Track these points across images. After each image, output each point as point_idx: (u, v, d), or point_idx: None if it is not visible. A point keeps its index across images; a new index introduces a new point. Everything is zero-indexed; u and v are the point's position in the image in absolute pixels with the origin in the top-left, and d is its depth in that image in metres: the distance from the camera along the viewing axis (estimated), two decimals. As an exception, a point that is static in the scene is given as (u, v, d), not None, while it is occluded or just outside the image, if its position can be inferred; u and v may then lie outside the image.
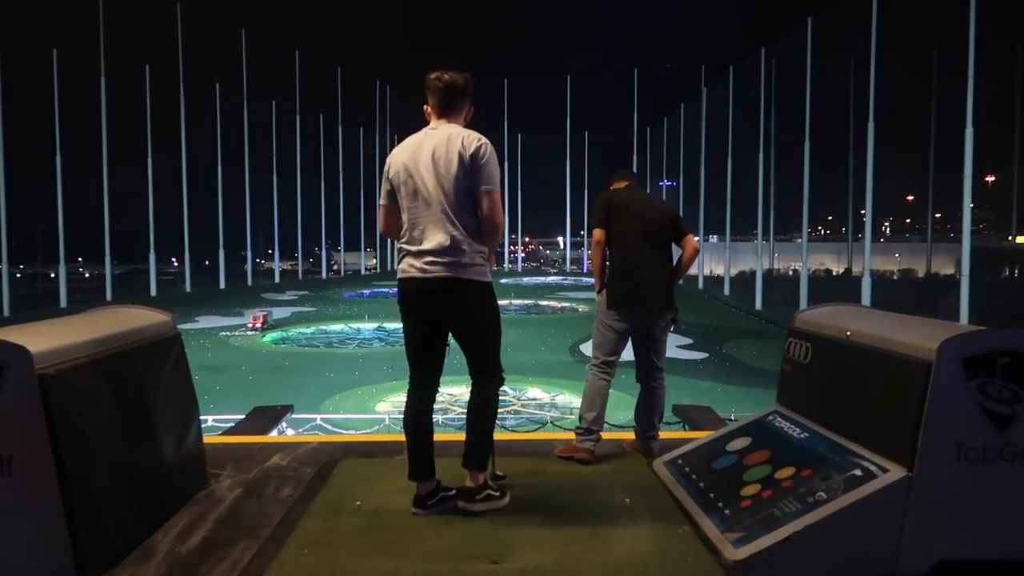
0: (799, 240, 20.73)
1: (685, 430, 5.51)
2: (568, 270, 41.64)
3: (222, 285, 27.91)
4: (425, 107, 3.10)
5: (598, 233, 3.92)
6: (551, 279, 35.70)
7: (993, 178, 26.68)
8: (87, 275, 30.24)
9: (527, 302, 23.46)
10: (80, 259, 30.49)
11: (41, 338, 2.48)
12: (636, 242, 3.85)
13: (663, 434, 4.07)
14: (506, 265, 42.12)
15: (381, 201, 3.13)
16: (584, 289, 28.18)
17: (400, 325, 3.13)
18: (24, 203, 20.82)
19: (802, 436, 3.12)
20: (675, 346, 13.39)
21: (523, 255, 47.44)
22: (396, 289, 3.09)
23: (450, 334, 3.08)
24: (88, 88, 22.56)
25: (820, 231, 39.60)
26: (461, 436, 3.15)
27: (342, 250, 39.11)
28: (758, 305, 20.68)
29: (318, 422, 7.60)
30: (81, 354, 2.61)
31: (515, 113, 39.17)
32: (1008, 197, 24.85)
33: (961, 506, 2.49)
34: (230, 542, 2.76)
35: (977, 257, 13.19)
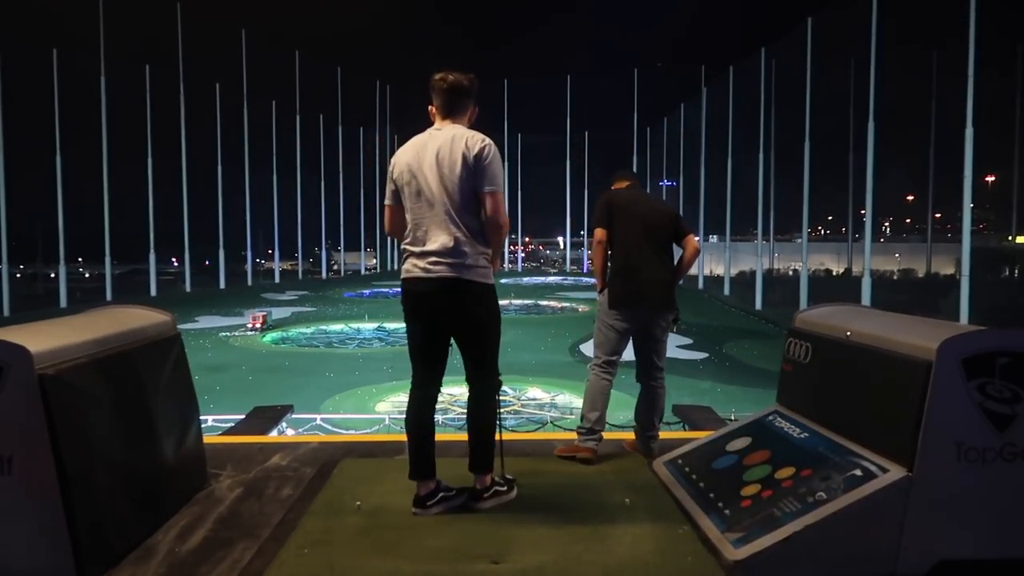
0: (799, 240, 20.71)
1: (685, 430, 5.51)
2: (568, 270, 41.60)
3: (222, 285, 27.89)
4: (430, 107, 3.11)
5: (599, 233, 3.93)
6: (551, 279, 35.65)
7: (993, 178, 26.66)
8: (87, 275, 30.20)
9: (527, 302, 23.45)
10: (80, 259, 30.44)
11: (41, 338, 2.48)
12: (637, 242, 3.85)
13: (663, 434, 4.08)
14: (506, 265, 42.09)
15: (386, 201, 3.14)
16: (584, 289, 28.17)
17: (401, 325, 3.15)
18: (24, 203, 20.79)
19: (802, 436, 3.12)
20: (675, 346, 13.39)
21: (523, 255, 47.44)
22: (400, 289, 3.10)
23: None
24: (88, 88, 22.55)
25: (820, 231, 39.59)
26: (462, 436, 3.15)
27: (342, 250, 39.08)
28: (758, 305, 20.67)
29: (318, 422, 7.59)
30: (81, 354, 2.61)
31: (515, 113, 39.23)
32: (1008, 197, 24.83)
33: (961, 506, 2.49)
34: (230, 542, 2.76)
35: (977, 257, 13.17)
